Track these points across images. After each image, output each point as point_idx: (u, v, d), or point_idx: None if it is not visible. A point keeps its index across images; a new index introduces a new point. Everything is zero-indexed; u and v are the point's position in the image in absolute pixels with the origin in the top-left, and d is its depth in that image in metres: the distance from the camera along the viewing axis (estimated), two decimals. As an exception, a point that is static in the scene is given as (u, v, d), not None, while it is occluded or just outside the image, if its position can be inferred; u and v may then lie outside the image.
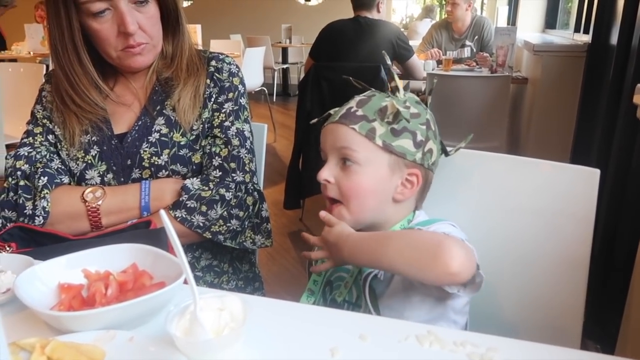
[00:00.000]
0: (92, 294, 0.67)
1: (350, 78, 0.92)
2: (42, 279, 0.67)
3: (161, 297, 0.61)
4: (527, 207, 0.93)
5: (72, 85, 1.01)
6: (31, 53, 4.93)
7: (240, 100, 1.10)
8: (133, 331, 0.59)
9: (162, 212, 0.56)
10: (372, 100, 0.85)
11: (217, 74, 1.10)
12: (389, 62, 0.88)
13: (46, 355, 0.54)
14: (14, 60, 4.67)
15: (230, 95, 1.09)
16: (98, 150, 1.05)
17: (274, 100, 7.24)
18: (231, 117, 1.08)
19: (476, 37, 3.89)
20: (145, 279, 0.68)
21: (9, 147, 2.46)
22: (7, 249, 0.86)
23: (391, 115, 0.81)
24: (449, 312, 0.82)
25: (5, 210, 0.99)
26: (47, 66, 3.23)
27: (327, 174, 0.85)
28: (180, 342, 0.54)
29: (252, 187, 1.07)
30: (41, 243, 0.91)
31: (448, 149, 0.91)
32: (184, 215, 0.99)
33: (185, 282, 0.58)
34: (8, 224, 0.97)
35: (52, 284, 0.68)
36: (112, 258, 0.71)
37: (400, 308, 0.81)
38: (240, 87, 1.11)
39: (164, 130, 1.05)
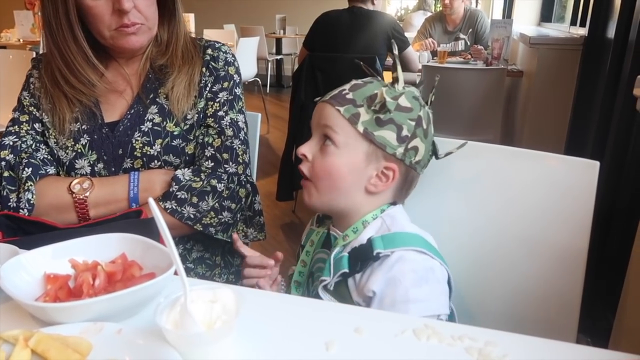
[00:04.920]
0: (79, 284, 0.65)
1: (362, 63, 0.90)
2: (27, 268, 0.65)
3: (151, 288, 0.60)
4: (525, 199, 0.92)
5: (66, 64, 0.98)
6: (21, 40, 4.85)
7: (235, 90, 1.08)
8: (121, 323, 0.57)
9: (151, 201, 0.54)
10: (367, 86, 0.83)
11: (212, 63, 1.07)
12: (396, 51, 0.86)
13: (30, 348, 0.52)
14: (3, 47, 4.59)
15: (225, 84, 1.07)
16: (88, 139, 1.02)
17: (267, 91, 7.20)
18: (225, 107, 1.05)
19: (470, 30, 3.87)
20: (134, 270, 0.66)
21: (-2, 134, 2.43)
22: (-7, 238, 0.84)
23: (378, 104, 0.79)
24: None
25: None
26: (37, 53, 3.17)
27: (306, 149, 0.85)
28: (170, 335, 0.52)
29: (245, 179, 1.05)
30: (28, 232, 0.89)
31: (446, 150, 0.89)
32: (174, 207, 0.96)
33: (176, 273, 0.56)
34: None
35: (38, 274, 0.65)
36: (101, 248, 0.69)
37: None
38: (235, 76, 1.09)
39: (157, 120, 1.02)
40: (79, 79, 0.99)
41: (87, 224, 0.93)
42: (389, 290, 0.76)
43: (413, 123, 0.81)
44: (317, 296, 0.84)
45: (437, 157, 0.88)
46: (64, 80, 0.99)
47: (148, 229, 0.77)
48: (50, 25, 0.95)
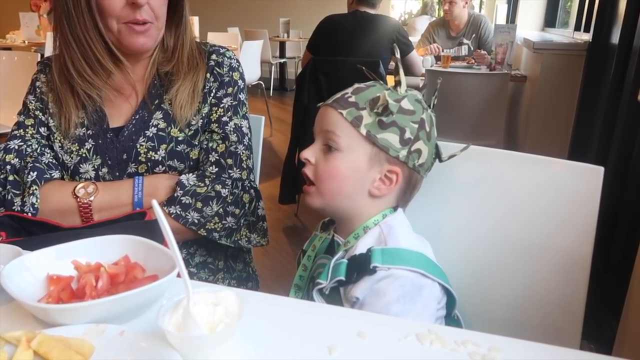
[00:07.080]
0: (82, 286, 0.64)
1: (364, 68, 0.90)
2: (30, 269, 0.65)
3: (153, 290, 0.59)
4: (528, 204, 0.91)
5: (84, 53, 0.96)
6: (26, 42, 4.88)
7: (240, 96, 1.08)
8: (124, 325, 0.57)
9: (155, 203, 0.54)
10: (369, 89, 0.83)
11: (217, 68, 1.07)
12: (398, 55, 0.86)
13: (32, 349, 0.52)
14: (8, 48, 4.62)
15: (230, 90, 1.07)
16: (93, 143, 1.02)
17: (271, 94, 7.21)
18: (229, 113, 1.06)
19: (474, 35, 3.87)
20: (137, 272, 0.66)
21: (2, 136, 2.43)
22: (-4, 238, 0.84)
23: (381, 107, 0.79)
24: None
25: None
26: (42, 55, 3.19)
27: (310, 154, 0.85)
28: (173, 338, 0.52)
29: (248, 185, 1.05)
30: (32, 232, 0.89)
31: (450, 153, 0.89)
32: (178, 212, 0.96)
33: (179, 275, 0.56)
34: None
35: (41, 275, 0.65)
36: (104, 249, 0.69)
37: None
38: (240, 82, 1.09)
39: (162, 125, 1.03)
40: (94, 69, 0.98)
41: (90, 225, 0.93)
42: (372, 299, 0.76)
43: (416, 126, 0.81)
44: (314, 300, 0.85)
45: (440, 160, 0.88)
46: (77, 73, 0.98)
47: (151, 230, 0.77)
48: (69, 13, 0.94)
